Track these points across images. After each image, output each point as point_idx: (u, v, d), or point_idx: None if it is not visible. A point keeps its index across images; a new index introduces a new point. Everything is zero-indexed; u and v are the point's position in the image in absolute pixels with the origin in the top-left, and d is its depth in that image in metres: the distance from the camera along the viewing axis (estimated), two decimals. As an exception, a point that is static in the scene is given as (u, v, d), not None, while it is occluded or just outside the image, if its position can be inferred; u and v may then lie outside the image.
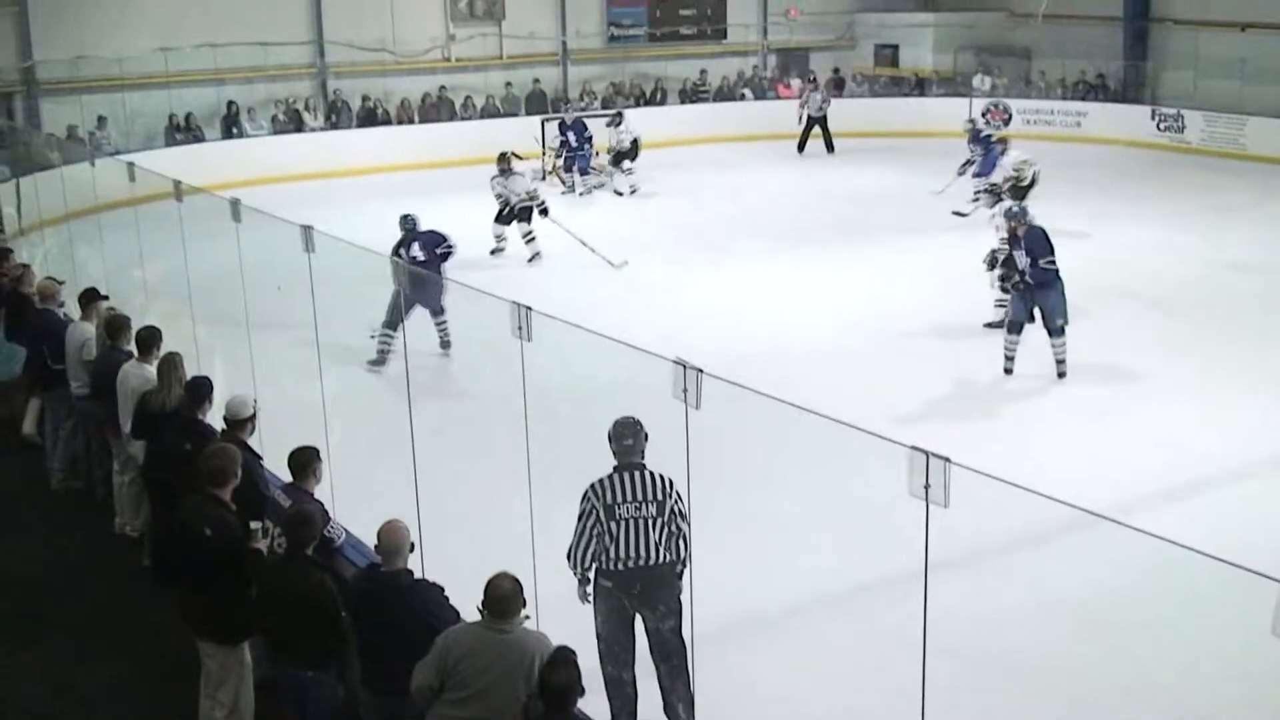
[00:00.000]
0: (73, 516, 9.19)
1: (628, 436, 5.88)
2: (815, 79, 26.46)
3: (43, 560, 8.50)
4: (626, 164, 21.20)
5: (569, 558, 5.90)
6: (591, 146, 21.13)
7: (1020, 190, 15.15)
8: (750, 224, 18.60)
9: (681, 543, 5.85)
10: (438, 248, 12.15)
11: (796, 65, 29.58)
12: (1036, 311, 11.38)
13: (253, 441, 6.92)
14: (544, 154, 21.86)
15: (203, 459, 6.14)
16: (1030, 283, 11.28)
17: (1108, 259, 15.81)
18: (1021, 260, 11.34)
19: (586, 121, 21.60)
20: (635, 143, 21.29)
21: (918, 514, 3.73)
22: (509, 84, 26.05)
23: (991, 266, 12.23)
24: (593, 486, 5.83)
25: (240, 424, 6.85)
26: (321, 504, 6.14)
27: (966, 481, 3.67)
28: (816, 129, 24.97)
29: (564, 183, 21.09)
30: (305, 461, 6.19)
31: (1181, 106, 25.00)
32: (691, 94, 27.79)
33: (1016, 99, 26.94)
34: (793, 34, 29.90)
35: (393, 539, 5.25)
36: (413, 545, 5.32)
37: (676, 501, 5.80)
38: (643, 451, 5.88)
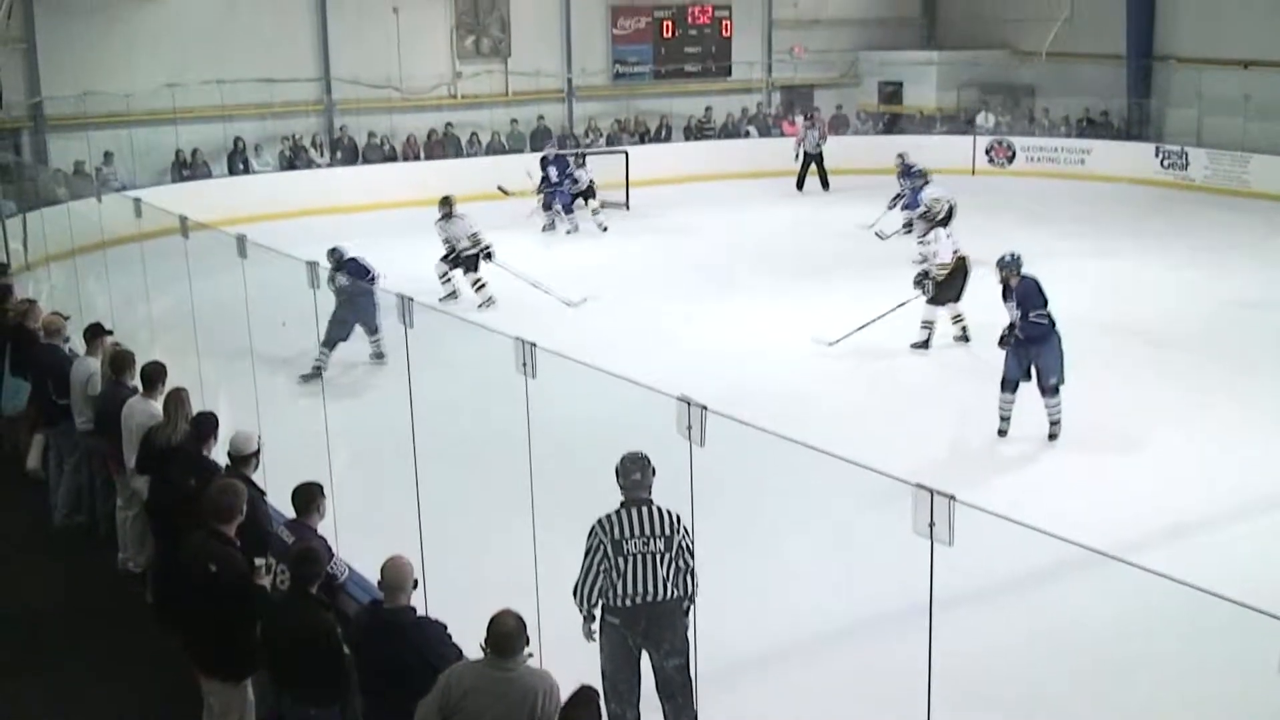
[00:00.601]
0: (76, 552, 9.18)
1: (635, 471, 5.88)
2: (813, 116, 26.60)
3: (46, 596, 8.49)
4: (594, 203, 21.41)
5: (575, 594, 5.88)
6: (573, 183, 21.16)
7: (935, 222, 15.55)
8: (754, 260, 18.65)
9: (689, 578, 5.84)
10: (363, 278, 12.97)
11: (801, 102, 29.74)
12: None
13: (256, 477, 6.93)
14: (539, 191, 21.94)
15: (209, 495, 6.15)
16: (1021, 337, 10.55)
17: (1112, 296, 15.84)
18: (1012, 313, 10.66)
19: (570, 159, 21.80)
20: (590, 184, 21.56)
21: (922, 552, 3.73)
22: (514, 120, 26.20)
23: (920, 287, 13.31)
24: (600, 522, 5.82)
25: (244, 460, 6.86)
26: (325, 540, 6.14)
27: (971, 519, 3.68)
28: (814, 166, 25.05)
29: (546, 219, 21.09)
30: (309, 497, 6.19)
31: (1185, 144, 25.10)
32: (696, 131, 27.96)
33: (1020, 136, 27.19)
34: (797, 71, 30.08)
35: (396, 575, 5.24)
36: (416, 582, 5.31)
37: (684, 537, 5.79)
38: (650, 487, 5.88)
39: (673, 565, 5.79)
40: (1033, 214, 21.99)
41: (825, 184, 24.86)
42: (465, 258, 16.02)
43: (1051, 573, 7.63)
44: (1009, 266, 10.80)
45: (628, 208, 22.72)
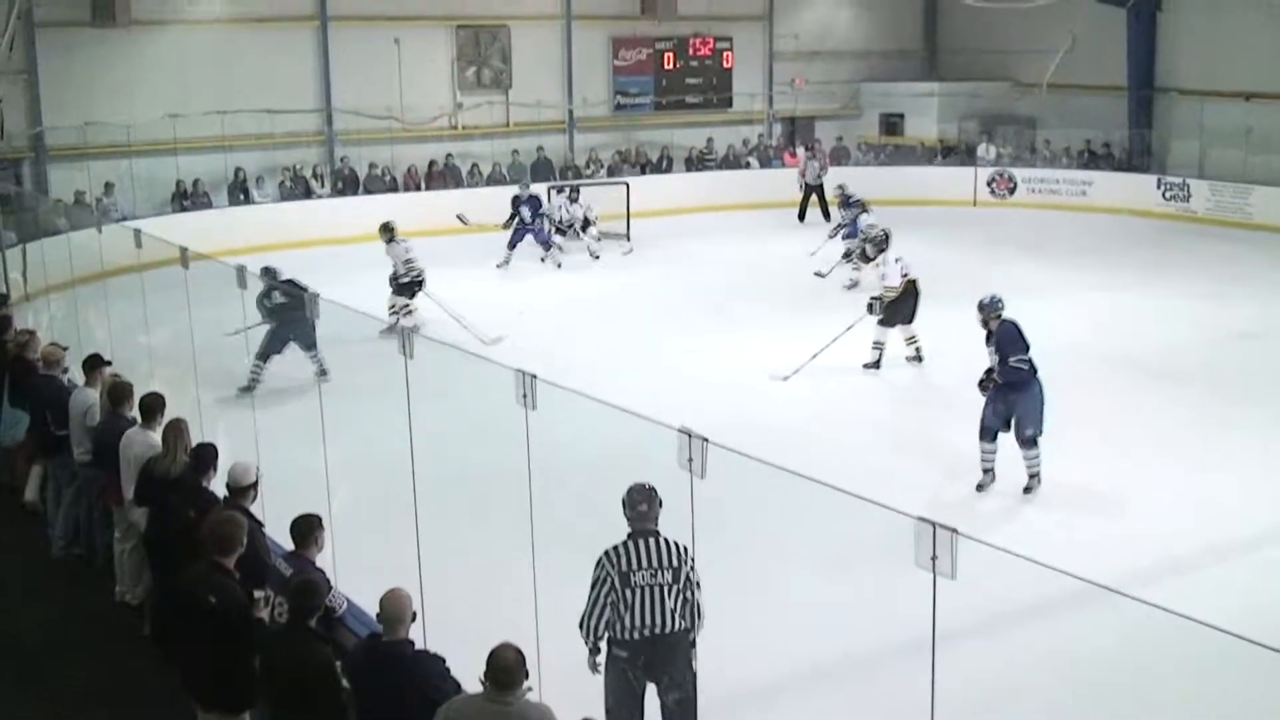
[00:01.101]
0: (74, 584, 9.16)
1: (642, 502, 5.87)
2: (814, 147, 26.70)
3: (43, 628, 8.46)
4: (592, 231, 21.74)
5: (581, 626, 5.86)
6: (549, 221, 21.21)
7: (882, 247, 16.04)
8: (754, 292, 18.68)
9: (695, 611, 5.83)
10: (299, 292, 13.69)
11: (802, 133, 29.90)
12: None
13: (254, 508, 6.93)
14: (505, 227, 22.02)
15: (209, 526, 6.14)
16: (999, 382, 10.10)
17: (1113, 327, 15.86)
18: (991, 357, 10.24)
19: (548, 195, 22.02)
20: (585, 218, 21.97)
21: (925, 585, 3.73)
22: (515, 151, 26.31)
23: (870, 310, 13.91)
24: (607, 554, 5.80)
25: (242, 491, 6.86)
26: (323, 572, 6.13)
27: (974, 553, 3.67)
28: (815, 197, 25.13)
29: (504, 258, 20.92)
30: (307, 529, 6.19)
31: (1187, 175, 25.21)
32: (697, 162, 28.07)
33: (1022, 168, 27.30)
34: (798, 103, 30.26)
35: (394, 608, 5.23)
36: (414, 615, 5.30)
37: (691, 569, 5.78)
38: (657, 518, 5.86)
39: (680, 597, 5.77)
40: (1034, 245, 22.09)
41: (827, 215, 24.88)
42: (400, 284, 16.32)
43: (1054, 606, 7.62)
44: (988, 309, 10.40)
45: (628, 239, 22.77)
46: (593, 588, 5.82)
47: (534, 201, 20.95)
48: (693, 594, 5.81)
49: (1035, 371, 10.08)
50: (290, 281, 13.36)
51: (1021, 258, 20.86)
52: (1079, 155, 27.49)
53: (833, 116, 30.61)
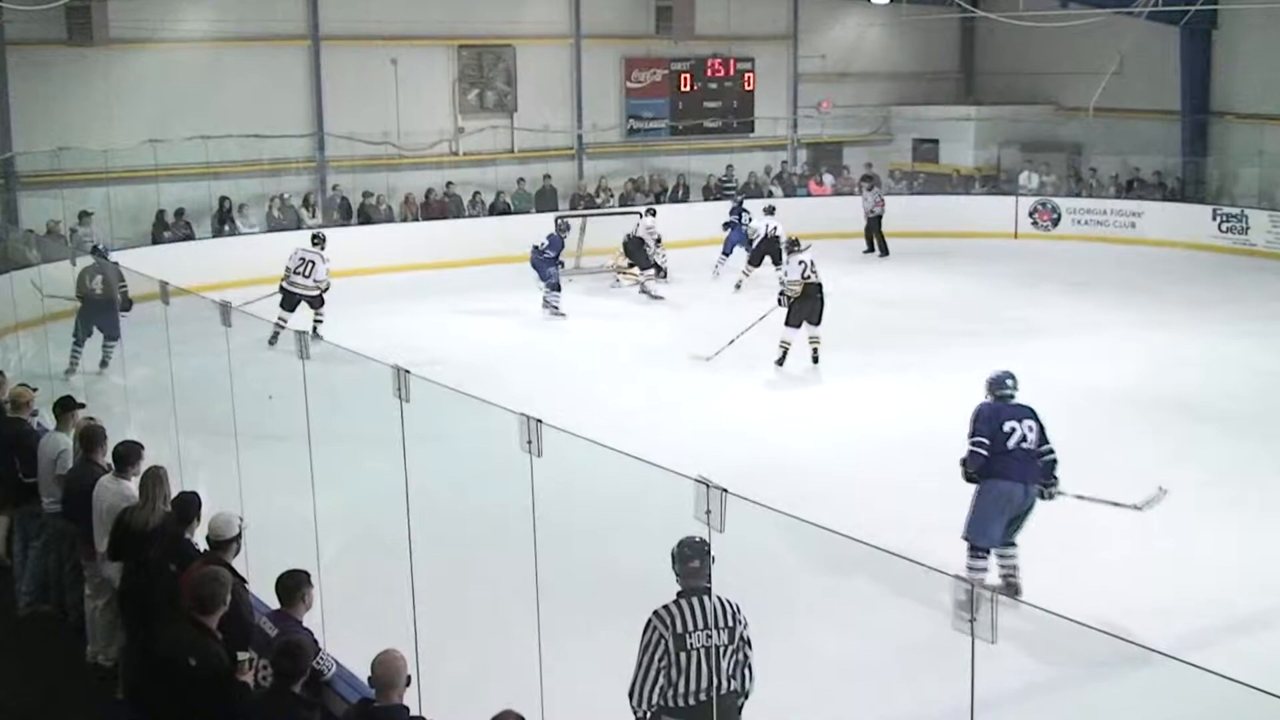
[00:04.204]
0: (42, 644, 9.15)
1: (694, 558, 5.84)
2: (872, 177, 26.85)
3: (9, 691, 8.45)
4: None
5: (631, 696, 5.79)
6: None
7: (789, 250, 17.63)
8: (778, 330, 18.62)
9: (747, 672, 5.85)
10: (118, 284, 14.63)
11: (828, 161, 29.97)
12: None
13: (238, 563, 6.93)
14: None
15: (191, 584, 6.15)
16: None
17: (1161, 370, 15.83)
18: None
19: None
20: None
21: (963, 648, 3.72)
22: (521, 180, 26.41)
23: (779, 303, 16.05)
24: (658, 614, 5.77)
25: (225, 545, 6.86)
26: (311, 632, 6.13)
27: (1014, 614, 3.67)
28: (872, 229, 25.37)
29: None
30: (294, 586, 6.19)
31: (1245, 206, 25.22)
32: (716, 190, 28.09)
33: (1066, 198, 27.34)
34: (824, 128, 30.40)
35: (388, 671, 5.23)
36: (409, 678, 5.29)
37: (745, 628, 5.80)
38: (709, 575, 5.84)
39: (733, 659, 5.78)
40: (1078, 282, 22.10)
41: (884, 249, 25.12)
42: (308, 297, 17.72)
43: (1104, 671, 7.56)
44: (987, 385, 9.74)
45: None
46: (643, 651, 5.76)
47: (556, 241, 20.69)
48: (745, 655, 5.83)
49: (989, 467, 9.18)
50: (115, 265, 15.07)
51: (1065, 294, 20.88)
52: (1128, 184, 27.49)
53: (862, 142, 30.76)
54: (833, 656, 8.31)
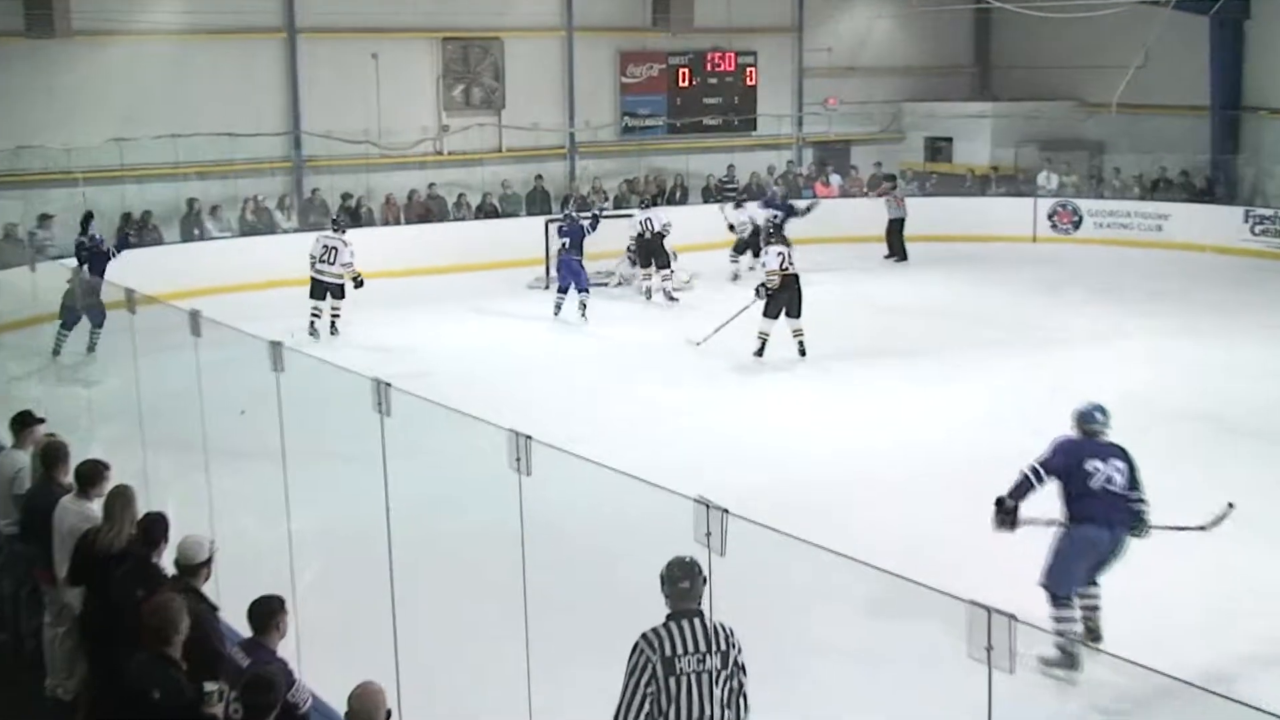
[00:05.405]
0: (-3, 675, 9.13)
1: (684, 579, 5.83)
2: (894, 180, 27.02)
3: (-39, 727, 8.44)
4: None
5: None
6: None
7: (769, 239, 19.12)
8: (783, 339, 18.63)
9: (743, 701, 5.83)
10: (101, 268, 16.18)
11: (835, 161, 29.99)
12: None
13: (209, 588, 6.90)
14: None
15: (143, 613, 6.12)
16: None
17: (1191, 381, 15.82)
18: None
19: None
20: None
21: (979, 678, 3.70)
22: (504, 183, 26.37)
23: (757, 294, 16.91)
24: (645, 637, 5.75)
25: (194, 570, 6.82)
26: (285, 663, 6.10)
27: (1034, 642, 3.65)
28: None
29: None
30: (268, 613, 6.16)
31: (1279, 207, 25.22)
32: (717, 192, 28.09)
33: (1088, 199, 27.38)
34: (831, 125, 30.43)
35: (366, 704, 5.20)
36: (389, 712, 5.27)
37: (739, 653, 5.78)
38: (700, 596, 5.82)
39: (727, 685, 5.77)
40: (1102, 288, 22.11)
41: (902, 254, 25.24)
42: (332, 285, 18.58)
43: (1138, 705, 7.55)
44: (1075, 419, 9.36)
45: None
46: (629, 677, 5.74)
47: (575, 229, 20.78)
48: (740, 682, 5.81)
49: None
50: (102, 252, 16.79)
51: (1088, 301, 20.87)
52: (1153, 185, 27.52)
53: (871, 141, 30.82)
54: (840, 689, 8.29)
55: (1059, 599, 8.68)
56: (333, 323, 18.63)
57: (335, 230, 19.25)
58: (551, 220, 23.09)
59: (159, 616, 6.07)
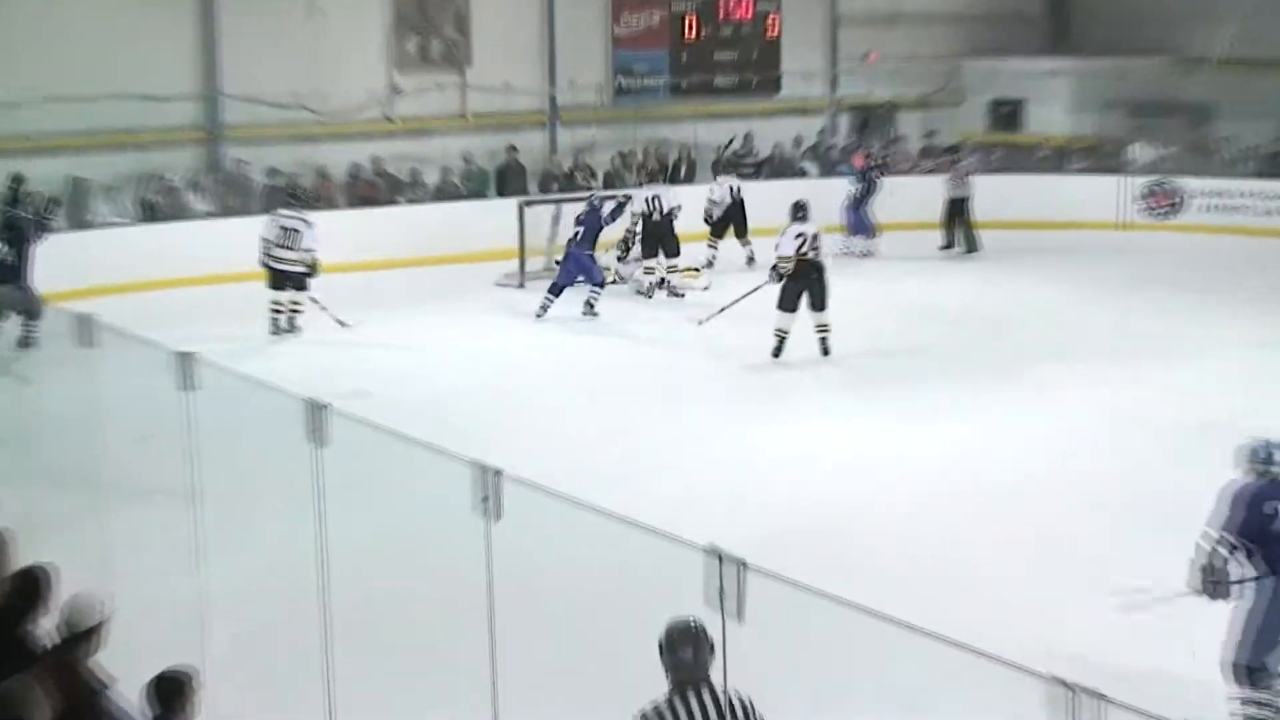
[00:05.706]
0: None
1: (685, 646, 5.84)
2: (959, 149, 27.09)
3: None
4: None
5: None
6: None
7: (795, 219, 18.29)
8: (810, 350, 18.66)
9: None
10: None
11: (878, 129, 29.96)
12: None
13: (102, 658, 6.89)
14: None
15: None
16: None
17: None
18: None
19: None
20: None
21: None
22: (465, 157, 26.36)
23: (770, 278, 17.52)
24: (645, 716, 5.79)
25: (82, 637, 6.80)
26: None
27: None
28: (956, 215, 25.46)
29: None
30: (174, 690, 6.16)
31: None
32: (730, 167, 27.93)
33: (1189, 177, 27.27)
34: (873, 86, 30.38)
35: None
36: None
37: None
38: (707, 665, 5.84)
39: None
40: (1202, 286, 22.13)
41: (970, 244, 25.24)
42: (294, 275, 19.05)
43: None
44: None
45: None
46: None
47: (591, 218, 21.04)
48: None
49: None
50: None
51: (1187, 305, 20.79)
52: (1270, 159, 27.52)
53: (922, 105, 30.79)
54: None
55: (1257, 673, 8.57)
56: (292, 319, 18.84)
57: (293, 205, 19.47)
58: (529, 202, 23.15)
59: (7, 708, 6.04)
